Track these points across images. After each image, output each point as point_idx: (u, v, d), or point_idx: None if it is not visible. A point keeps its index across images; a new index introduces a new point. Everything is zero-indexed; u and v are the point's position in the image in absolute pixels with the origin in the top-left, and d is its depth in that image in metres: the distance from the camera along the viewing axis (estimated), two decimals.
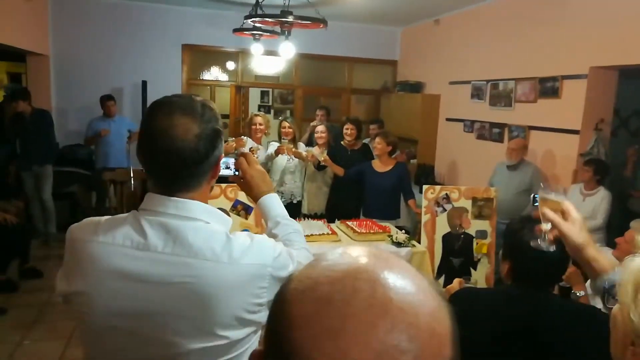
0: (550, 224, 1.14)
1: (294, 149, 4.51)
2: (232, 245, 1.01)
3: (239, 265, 1.00)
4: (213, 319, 0.98)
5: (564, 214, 1.12)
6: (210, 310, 0.97)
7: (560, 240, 1.57)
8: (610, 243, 3.10)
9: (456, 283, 2.21)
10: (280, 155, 4.53)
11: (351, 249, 0.49)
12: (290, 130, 4.57)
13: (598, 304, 2.90)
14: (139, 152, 1.02)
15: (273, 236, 1.24)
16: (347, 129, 4.77)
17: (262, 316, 1.03)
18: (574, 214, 1.10)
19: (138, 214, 1.03)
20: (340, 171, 4.50)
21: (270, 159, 4.53)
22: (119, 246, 0.99)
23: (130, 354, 1.00)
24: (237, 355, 1.04)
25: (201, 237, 1.00)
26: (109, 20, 6.49)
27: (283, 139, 4.55)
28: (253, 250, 1.03)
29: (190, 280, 0.97)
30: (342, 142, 4.86)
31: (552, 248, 1.17)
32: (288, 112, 8.28)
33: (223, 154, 1.09)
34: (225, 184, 3.36)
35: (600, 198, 3.79)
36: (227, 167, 1.30)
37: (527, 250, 1.59)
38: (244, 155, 1.34)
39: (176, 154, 0.97)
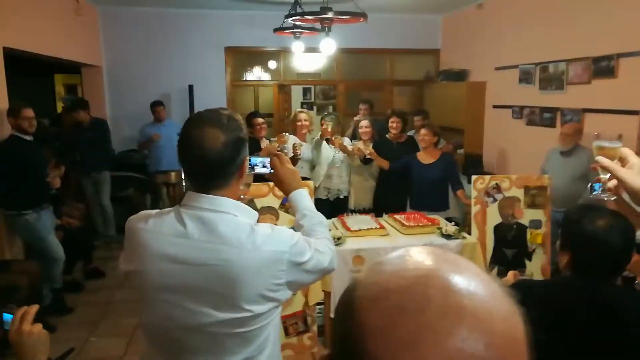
0: (608, 174, 1.07)
1: (339, 141, 4.51)
2: (255, 235, 1.22)
3: (261, 251, 1.21)
4: (239, 295, 1.19)
5: (622, 161, 1.05)
6: (237, 288, 1.18)
7: (623, 227, 1.49)
8: None
9: (510, 275, 2.15)
10: (326, 145, 4.57)
11: (414, 252, 0.50)
12: (329, 130, 4.53)
13: None
14: (179, 158, 1.26)
15: (300, 227, 1.46)
16: (392, 122, 4.73)
17: (282, 294, 1.25)
18: (632, 159, 1.03)
19: (180, 209, 1.26)
20: (385, 164, 4.47)
21: (318, 144, 4.55)
22: (164, 234, 1.22)
23: (175, 322, 1.22)
24: (260, 327, 1.24)
25: (230, 228, 1.22)
26: (155, 28, 6.73)
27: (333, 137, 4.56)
28: (273, 238, 1.24)
29: (221, 263, 1.19)
30: (387, 135, 4.82)
31: (613, 197, 1.10)
32: (330, 108, 8.29)
33: (248, 157, 1.31)
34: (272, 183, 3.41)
35: None
36: (264, 166, 1.44)
37: (589, 240, 1.54)
38: (277, 155, 1.56)
39: (208, 159, 1.20)
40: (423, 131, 4.33)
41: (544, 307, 1.48)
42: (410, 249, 0.51)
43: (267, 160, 1.53)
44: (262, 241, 1.22)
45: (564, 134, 4.16)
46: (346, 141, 4.72)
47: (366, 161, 4.63)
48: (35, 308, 1.24)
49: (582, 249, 1.56)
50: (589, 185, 2.65)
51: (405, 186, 4.48)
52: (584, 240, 1.55)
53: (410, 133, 5.05)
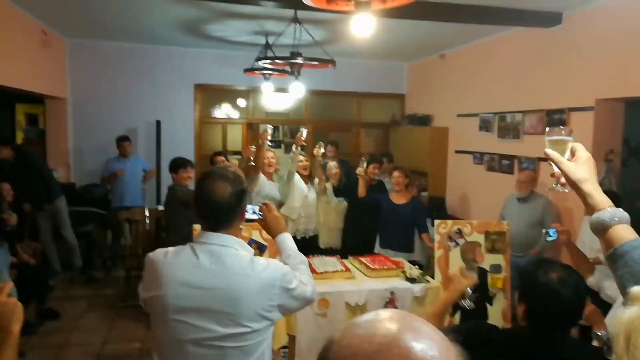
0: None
1: (318, 151, 4.79)
2: (254, 264, 1.54)
3: (259, 277, 1.51)
4: (241, 313, 1.48)
5: (572, 155, 1.12)
6: (239, 307, 1.48)
7: (575, 281, 1.58)
8: None
9: (456, 270, 2.13)
10: (300, 180, 4.68)
11: (384, 317, 0.57)
12: (307, 163, 4.75)
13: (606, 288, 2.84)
14: (194, 206, 1.59)
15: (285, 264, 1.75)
16: (373, 167, 4.88)
17: (274, 315, 1.56)
18: (581, 153, 1.11)
19: (193, 244, 1.56)
20: (362, 192, 4.56)
21: (291, 176, 4.64)
22: (181, 264, 1.53)
23: (187, 337, 1.49)
24: (257, 341, 1.54)
25: (234, 259, 1.52)
26: (124, 63, 6.72)
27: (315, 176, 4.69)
28: (269, 267, 1.56)
29: (226, 287, 1.49)
30: (358, 174, 4.93)
31: (567, 189, 1.15)
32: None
33: (247, 204, 1.67)
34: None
35: None
36: (254, 212, 1.79)
37: (542, 292, 1.61)
38: (265, 203, 1.88)
39: (218, 205, 1.54)
40: (396, 173, 4.48)
41: (501, 357, 1.54)
42: (381, 313, 0.58)
43: (256, 208, 1.83)
44: (260, 269, 1.53)
45: (520, 181, 4.36)
46: (315, 182, 4.81)
47: (338, 192, 4.74)
48: (10, 284, 1.26)
49: (535, 300, 1.63)
50: (544, 231, 2.78)
51: (374, 226, 4.56)
52: (537, 292, 1.62)
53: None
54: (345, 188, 4.84)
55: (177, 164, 4.40)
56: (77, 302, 4.96)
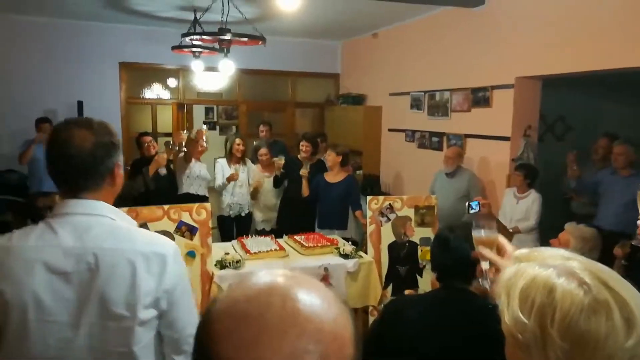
0: (488, 262, 1.20)
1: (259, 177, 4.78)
2: (135, 234, 1.21)
3: (140, 252, 1.18)
4: (120, 298, 1.15)
5: (499, 250, 1.19)
6: (116, 291, 1.14)
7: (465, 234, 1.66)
8: (544, 244, 3.28)
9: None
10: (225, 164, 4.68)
11: (270, 272, 0.57)
12: (243, 148, 4.70)
13: None
14: (47, 165, 1.21)
15: None
16: (302, 146, 4.83)
17: (162, 303, 1.21)
18: (508, 248, 1.19)
19: (49, 219, 1.19)
20: (305, 192, 4.55)
21: (230, 180, 4.62)
22: (32, 247, 1.14)
23: (54, 344, 1.15)
24: (145, 344, 1.20)
25: (105, 230, 1.18)
26: (40, 39, 6.23)
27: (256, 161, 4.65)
28: (155, 240, 1.24)
29: (98, 267, 1.14)
30: (298, 156, 4.90)
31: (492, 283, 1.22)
32: (234, 128, 8.24)
33: (120, 163, 1.27)
34: (168, 205, 3.29)
35: (532, 200, 4.01)
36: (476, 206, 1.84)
37: (438, 244, 1.77)
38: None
39: (76, 159, 1.17)
40: (328, 152, 4.48)
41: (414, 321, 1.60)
42: (268, 270, 0.59)
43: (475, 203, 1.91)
44: (144, 241, 1.20)
45: (447, 157, 4.52)
46: (252, 167, 4.80)
47: (277, 184, 4.74)
48: None
49: (433, 255, 1.82)
50: (467, 204, 2.90)
51: (309, 206, 4.58)
52: (434, 247, 1.79)
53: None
54: (282, 176, 4.83)
55: None
56: None
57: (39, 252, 1.13)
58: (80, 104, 6.15)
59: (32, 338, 1.12)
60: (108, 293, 1.12)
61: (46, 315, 1.12)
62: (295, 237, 3.95)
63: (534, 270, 0.75)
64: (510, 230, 3.17)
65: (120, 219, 1.23)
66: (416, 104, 5.70)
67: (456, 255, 1.66)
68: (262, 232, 4.64)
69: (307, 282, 0.56)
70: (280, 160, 4.72)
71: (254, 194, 4.80)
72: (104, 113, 6.38)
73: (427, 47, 5.50)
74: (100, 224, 1.18)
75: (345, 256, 3.63)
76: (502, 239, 1.21)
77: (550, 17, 3.88)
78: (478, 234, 1.25)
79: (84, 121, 1.23)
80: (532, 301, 0.72)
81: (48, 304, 1.11)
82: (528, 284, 0.74)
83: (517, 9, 4.21)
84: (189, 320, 1.25)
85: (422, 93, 5.55)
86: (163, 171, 4.58)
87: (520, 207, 4.06)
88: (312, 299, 0.53)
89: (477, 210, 2.73)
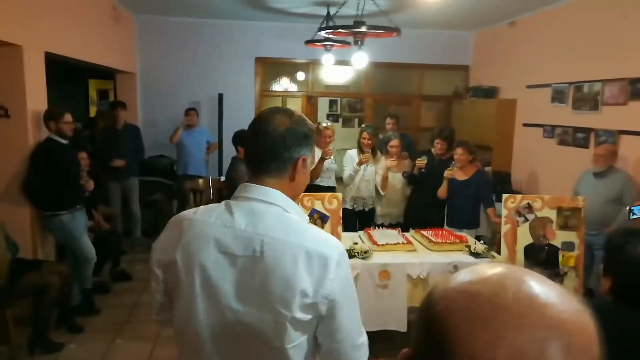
0: None
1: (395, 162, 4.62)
2: (305, 230, 1.16)
3: (306, 248, 1.12)
4: (276, 295, 1.10)
5: None
6: (275, 286, 1.10)
7: None
8: None
9: None
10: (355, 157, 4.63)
11: (491, 264, 0.54)
12: (370, 142, 4.63)
13: None
14: (245, 143, 1.29)
15: None
16: (437, 143, 4.72)
17: (322, 308, 1.12)
18: None
19: (230, 201, 1.22)
20: (444, 193, 4.40)
21: (360, 164, 4.60)
22: (212, 223, 1.17)
23: (211, 321, 1.16)
24: (298, 343, 1.14)
25: (276, 219, 1.16)
26: (187, 37, 6.88)
27: (366, 150, 4.60)
28: (326, 241, 1.16)
29: (261, 256, 1.11)
30: (432, 150, 4.81)
31: None
32: (356, 121, 8.30)
33: (307, 157, 1.24)
34: (303, 193, 3.43)
35: None
36: None
37: (631, 265, 1.50)
38: None
39: (267, 136, 1.18)
40: (459, 150, 4.31)
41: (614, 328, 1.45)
42: (488, 263, 0.55)
43: None
44: (312, 238, 1.14)
45: (598, 155, 4.08)
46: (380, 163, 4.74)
47: (412, 179, 4.67)
48: None
49: (624, 274, 1.52)
50: (627, 208, 2.58)
51: (440, 202, 4.45)
52: (627, 266, 1.51)
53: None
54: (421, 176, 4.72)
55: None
56: (147, 265, 5.23)
57: (215, 229, 1.16)
58: (220, 97, 6.67)
59: (197, 313, 1.14)
60: (268, 284, 1.09)
61: (211, 292, 1.13)
62: (422, 231, 3.88)
63: None
64: None
65: (293, 212, 1.20)
66: (558, 97, 5.23)
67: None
68: (384, 226, 4.60)
69: (538, 275, 0.52)
70: (423, 161, 4.58)
71: (384, 183, 4.68)
72: (240, 104, 6.88)
73: (573, 33, 5.00)
74: (273, 213, 1.17)
75: (477, 255, 3.48)
76: None
77: None
78: None
79: (285, 109, 1.25)
80: None
81: (214, 281, 1.13)
82: None
83: None
84: (351, 331, 1.17)
85: (566, 85, 5.07)
86: None
87: None
88: (548, 288, 0.49)
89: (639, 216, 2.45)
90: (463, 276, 0.52)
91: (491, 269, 0.52)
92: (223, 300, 1.13)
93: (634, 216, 2.36)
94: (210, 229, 1.16)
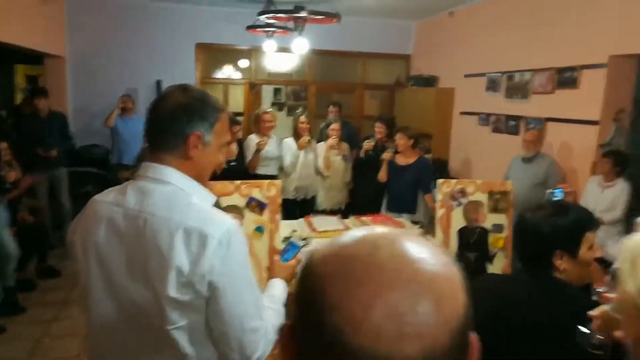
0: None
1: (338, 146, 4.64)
2: (190, 207, 1.12)
3: (184, 224, 1.10)
4: (156, 274, 1.09)
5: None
6: (154, 265, 1.08)
7: (553, 214, 1.49)
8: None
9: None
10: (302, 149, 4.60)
11: (366, 227, 0.55)
12: (308, 126, 4.63)
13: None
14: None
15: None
16: (377, 127, 4.81)
17: (202, 289, 1.10)
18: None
19: (130, 181, 1.20)
20: (384, 177, 4.45)
21: (297, 157, 4.59)
22: (107, 203, 1.18)
23: (115, 306, 1.17)
24: (180, 326, 1.11)
25: (164, 198, 1.13)
26: (124, 20, 6.56)
27: (305, 135, 4.57)
28: (212, 218, 1.12)
29: (143, 235, 1.11)
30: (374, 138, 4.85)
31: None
32: (302, 108, 8.26)
33: (200, 133, 1.17)
34: (240, 181, 3.36)
35: (620, 190, 3.70)
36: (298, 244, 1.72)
37: (524, 231, 1.56)
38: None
39: (158, 112, 1.17)
40: (398, 135, 4.38)
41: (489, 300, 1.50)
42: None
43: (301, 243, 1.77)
44: (193, 215, 1.10)
45: (526, 140, 4.26)
46: (319, 146, 4.73)
47: (364, 161, 4.72)
48: None
49: (516, 239, 1.62)
50: (549, 191, 2.70)
51: (381, 188, 4.51)
52: (520, 232, 1.58)
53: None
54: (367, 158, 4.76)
55: None
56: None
57: (109, 209, 1.16)
58: (158, 83, 6.43)
59: (96, 292, 1.15)
60: (148, 261, 1.08)
61: (105, 271, 1.14)
62: (361, 217, 3.91)
63: None
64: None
65: (193, 191, 1.16)
66: (492, 86, 5.42)
67: (542, 243, 1.48)
68: (326, 213, 4.63)
69: (408, 233, 0.54)
70: (371, 142, 4.64)
71: (326, 162, 4.68)
72: None
73: (507, 24, 5.19)
74: (162, 191, 1.14)
75: None
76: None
77: None
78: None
79: (185, 86, 1.21)
80: None
81: (107, 260, 1.14)
82: None
83: None
84: (241, 314, 1.12)
85: (500, 74, 5.26)
86: (233, 155, 4.66)
87: (606, 196, 3.76)
88: (419, 245, 0.51)
89: (561, 198, 2.56)
90: (338, 241, 0.53)
91: (365, 231, 0.53)
92: (116, 279, 1.13)
93: (556, 198, 2.46)
94: (104, 209, 1.17)
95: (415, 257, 0.48)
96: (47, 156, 5.03)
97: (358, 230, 0.54)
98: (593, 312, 1.10)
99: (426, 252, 0.50)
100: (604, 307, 1.04)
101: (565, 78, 4.32)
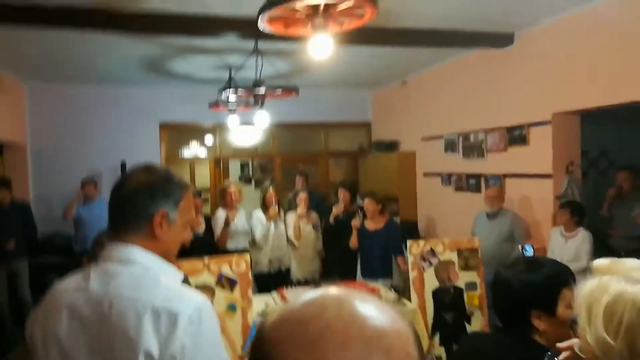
0: None
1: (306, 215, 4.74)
2: (158, 285, 1.09)
3: (151, 305, 1.06)
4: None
5: None
6: (119, 350, 1.03)
7: (526, 269, 1.49)
8: None
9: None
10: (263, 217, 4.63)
11: (315, 290, 0.56)
12: (277, 197, 4.71)
13: None
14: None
15: None
16: (340, 193, 4.96)
17: None
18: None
19: (92, 265, 1.15)
20: (355, 243, 4.47)
21: (267, 229, 4.60)
22: (68, 290, 1.12)
23: None
24: None
25: (130, 278, 1.09)
26: (85, 106, 6.60)
27: (273, 206, 4.62)
28: (180, 296, 1.09)
29: (108, 319, 1.06)
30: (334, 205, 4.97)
31: None
32: (269, 180, 8.34)
33: (165, 211, 1.16)
34: (208, 258, 3.30)
35: (582, 239, 3.82)
36: None
37: (500, 289, 1.52)
38: None
39: (119, 196, 1.16)
40: (367, 200, 4.45)
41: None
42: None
43: None
44: (162, 294, 1.06)
45: (489, 196, 4.41)
46: (289, 217, 4.76)
47: (332, 228, 4.77)
48: None
49: (494, 297, 1.55)
50: (519, 246, 2.77)
51: (354, 255, 4.50)
52: (496, 289, 1.54)
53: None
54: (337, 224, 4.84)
55: None
56: None
57: (68, 295, 1.11)
58: (123, 165, 6.40)
59: None
60: (113, 345, 1.03)
61: None
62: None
63: (619, 286, 0.69)
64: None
65: (160, 270, 1.13)
66: (450, 147, 5.66)
67: (513, 300, 1.46)
68: (300, 284, 4.57)
69: (357, 292, 0.55)
70: (340, 207, 4.74)
71: (296, 232, 4.69)
72: None
73: (458, 89, 5.52)
74: (129, 272, 1.10)
75: None
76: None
77: (580, 51, 3.85)
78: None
79: (148, 165, 1.22)
80: (620, 320, 0.66)
81: (69, 353, 1.08)
82: (613, 301, 0.68)
83: (548, 46, 4.20)
84: None
85: (456, 135, 5.52)
86: (200, 230, 4.60)
87: (569, 247, 3.87)
88: (366, 303, 0.52)
89: (531, 253, 2.63)
90: (288, 305, 0.54)
91: (313, 293, 0.54)
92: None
93: (527, 253, 2.53)
94: (64, 297, 1.12)
95: (362, 315, 0.49)
96: (3, 248, 4.83)
97: (309, 293, 0.54)
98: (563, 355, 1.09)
99: (373, 310, 0.51)
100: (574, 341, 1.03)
101: (515, 136, 4.57)
